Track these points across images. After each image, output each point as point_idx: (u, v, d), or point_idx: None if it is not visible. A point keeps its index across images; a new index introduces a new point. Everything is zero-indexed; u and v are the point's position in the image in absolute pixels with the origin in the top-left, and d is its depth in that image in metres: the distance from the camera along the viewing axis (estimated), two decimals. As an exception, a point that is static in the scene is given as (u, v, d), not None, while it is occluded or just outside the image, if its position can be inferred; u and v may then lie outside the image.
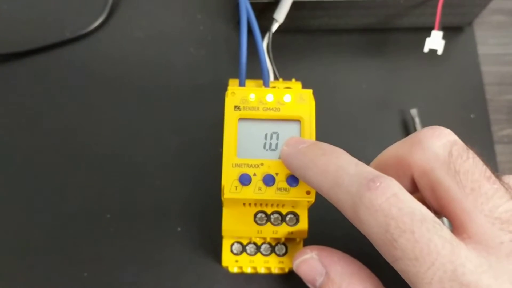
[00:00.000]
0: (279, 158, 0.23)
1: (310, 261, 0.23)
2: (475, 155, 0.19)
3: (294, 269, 0.24)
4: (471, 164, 0.18)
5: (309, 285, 0.23)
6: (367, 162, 0.22)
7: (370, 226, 0.18)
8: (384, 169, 0.21)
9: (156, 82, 0.33)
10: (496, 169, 0.32)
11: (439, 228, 0.17)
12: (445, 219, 0.25)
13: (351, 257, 0.23)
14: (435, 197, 0.19)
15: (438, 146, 0.19)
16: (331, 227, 0.28)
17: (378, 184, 0.18)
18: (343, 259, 0.22)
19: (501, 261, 0.17)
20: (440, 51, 0.30)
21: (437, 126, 0.20)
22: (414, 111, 0.32)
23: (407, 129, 0.32)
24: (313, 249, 0.23)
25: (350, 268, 0.22)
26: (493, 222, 0.17)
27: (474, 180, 0.18)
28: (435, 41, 0.30)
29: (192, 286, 0.29)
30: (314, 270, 0.23)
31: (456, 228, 0.18)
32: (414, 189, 0.21)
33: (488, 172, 0.18)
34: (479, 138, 0.33)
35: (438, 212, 0.19)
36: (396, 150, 0.21)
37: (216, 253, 0.29)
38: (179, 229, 0.30)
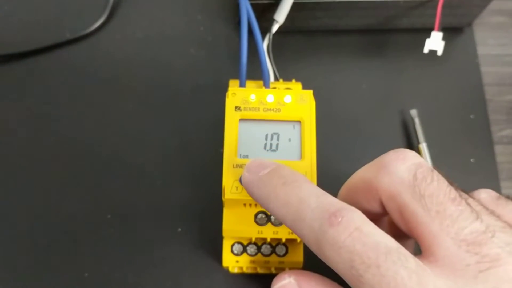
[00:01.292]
0: (241, 181, 0.22)
1: (288, 287, 0.23)
2: (440, 177, 0.19)
3: None
4: (436, 186, 0.18)
5: None
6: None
7: (335, 262, 0.18)
8: (354, 193, 0.21)
9: (157, 83, 0.33)
10: (495, 169, 0.32)
11: (404, 260, 0.17)
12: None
13: (330, 281, 0.22)
14: (403, 220, 0.19)
15: (403, 170, 0.19)
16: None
17: (339, 219, 0.18)
18: (322, 282, 0.22)
19: (469, 284, 0.17)
20: (440, 52, 0.31)
21: (402, 149, 0.20)
22: (414, 112, 0.32)
23: (407, 130, 0.33)
24: (291, 274, 0.23)
25: None
26: (459, 244, 0.17)
27: (439, 202, 0.18)
28: (435, 42, 0.31)
29: (192, 286, 0.29)
30: None
31: (423, 251, 0.18)
32: (384, 212, 0.21)
33: (453, 193, 0.18)
34: (478, 139, 0.33)
35: (408, 235, 0.20)
36: (363, 174, 0.21)
37: (216, 254, 0.29)
38: (179, 229, 0.30)
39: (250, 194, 0.21)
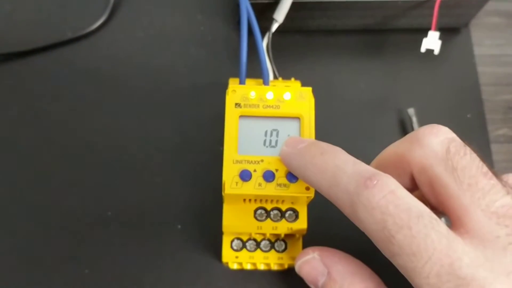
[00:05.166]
0: (279, 155, 0.23)
1: (312, 262, 0.23)
2: (472, 152, 0.19)
3: (297, 270, 0.24)
4: (468, 160, 0.19)
5: (311, 285, 0.23)
6: (366, 160, 0.22)
7: (368, 223, 0.18)
8: (385, 167, 0.21)
9: (157, 82, 0.33)
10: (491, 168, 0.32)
11: (436, 224, 0.17)
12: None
13: (352, 257, 0.23)
14: (433, 193, 0.20)
15: (436, 143, 0.19)
16: (330, 226, 0.28)
17: (375, 182, 0.18)
18: (345, 259, 0.23)
19: (497, 254, 0.17)
20: (436, 51, 0.31)
21: (435, 124, 0.20)
22: (411, 111, 0.32)
23: (404, 129, 0.33)
24: (314, 249, 0.24)
25: (351, 268, 0.22)
26: (489, 216, 0.18)
27: (471, 176, 0.18)
28: (431, 41, 0.31)
29: (192, 282, 0.29)
30: (316, 271, 0.23)
31: (453, 223, 0.19)
32: (414, 187, 0.21)
33: (485, 168, 0.19)
34: (475, 138, 0.33)
35: (437, 208, 0.20)
36: (395, 148, 0.22)
37: (216, 250, 0.29)
38: (179, 226, 0.30)
39: (288, 165, 0.22)
